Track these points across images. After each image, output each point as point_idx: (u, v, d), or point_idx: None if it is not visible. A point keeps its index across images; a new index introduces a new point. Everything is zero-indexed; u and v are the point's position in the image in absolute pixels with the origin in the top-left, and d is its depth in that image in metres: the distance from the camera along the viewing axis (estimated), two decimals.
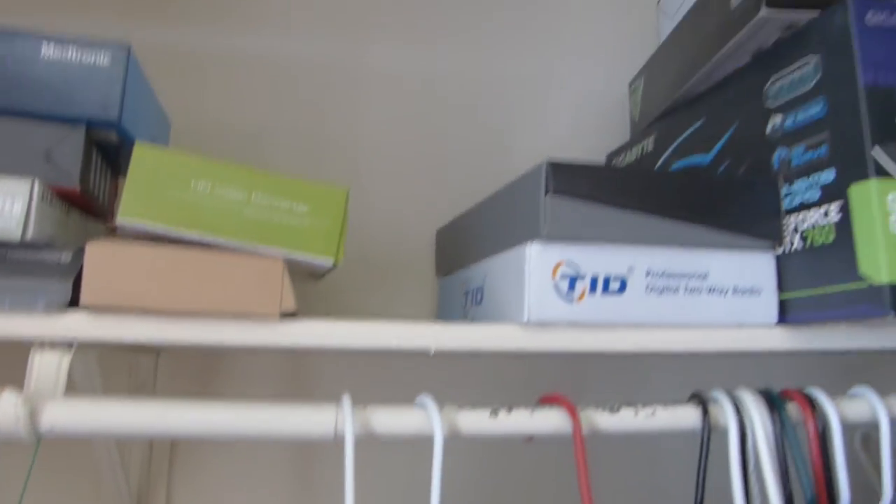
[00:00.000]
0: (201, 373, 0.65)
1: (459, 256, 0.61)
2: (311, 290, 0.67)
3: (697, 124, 0.58)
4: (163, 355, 0.64)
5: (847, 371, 0.74)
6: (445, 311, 0.64)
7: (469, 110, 0.75)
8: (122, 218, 0.38)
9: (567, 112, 0.78)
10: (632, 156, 0.70)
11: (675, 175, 0.48)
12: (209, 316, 0.39)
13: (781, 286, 0.48)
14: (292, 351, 0.62)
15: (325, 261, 0.41)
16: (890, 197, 0.41)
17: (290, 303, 0.40)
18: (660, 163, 0.64)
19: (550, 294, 0.44)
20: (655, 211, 0.45)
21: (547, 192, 0.43)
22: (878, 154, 0.41)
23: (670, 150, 0.62)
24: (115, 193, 0.52)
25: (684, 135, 0.60)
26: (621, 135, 0.77)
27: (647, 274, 0.45)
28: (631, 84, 0.74)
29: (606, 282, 0.45)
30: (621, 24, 0.80)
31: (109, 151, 0.46)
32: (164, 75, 0.67)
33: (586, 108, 0.79)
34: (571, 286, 0.44)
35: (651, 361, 0.73)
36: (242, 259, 0.39)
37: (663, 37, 0.70)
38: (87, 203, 0.45)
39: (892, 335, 0.48)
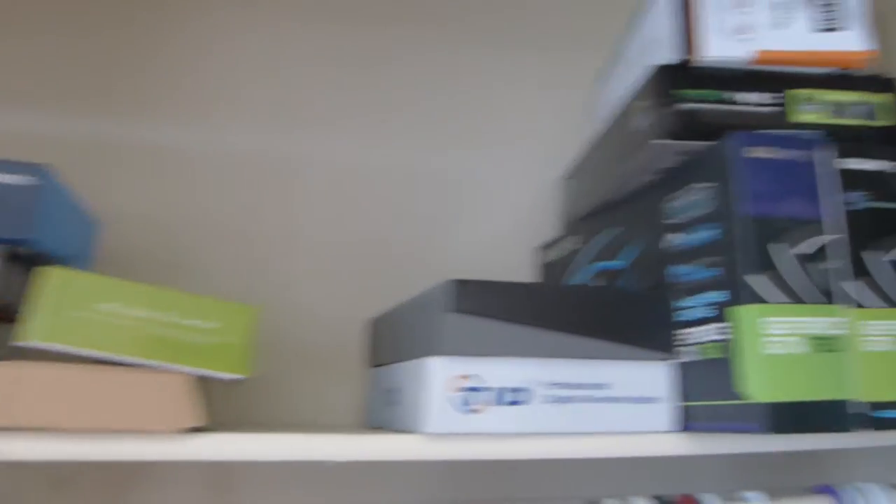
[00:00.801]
0: (123, 474, 0.66)
1: (383, 353, 0.63)
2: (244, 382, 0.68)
3: (616, 231, 0.62)
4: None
5: (760, 468, 0.76)
6: (372, 402, 0.66)
7: (405, 203, 0.78)
8: (30, 340, 0.40)
9: (503, 204, 0.81)
10: (561, 251, 0.73)
11: (573, 291, 0.50)
12: (114, 433, 0.41)
13: (684, 394, 0.50)
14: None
15: (232, 377, 0.43)
16: (765, 321, 0.44)
17: (195, 419, 0.41)
18: (584, 263, 0.67)
19: (451, 406, 0.46)
20: (555, 326, 0.48)
21: (449, 309, 0.46)
22: (755, 281, 0.45)
23: (593, 251, 0.65)
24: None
25: (604, 239, 0.63)
26: (556, 227, 0.80)
27: (548, 386, 0.48)
28: (561, 181, 0.77)
29: (507, 394, 0.47)
30: (556, 118, 0.84)
31: (25, 258, 0.48)
32: (95, 169, 0.69)
33: (522, 200, 0.82)
34: (472, 399, 0.46)
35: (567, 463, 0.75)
36: (147, 377, 0.41)
37: (590, 136, 0.73)
38: (3, 311, 0.46)
39: (780, 440, 0.51)
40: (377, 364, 0.66)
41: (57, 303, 0.40)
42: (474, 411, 0.46)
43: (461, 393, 0.46)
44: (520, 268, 0.80)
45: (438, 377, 0.46)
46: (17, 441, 0.40)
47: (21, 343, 0.41)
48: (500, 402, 0.46)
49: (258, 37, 0.78)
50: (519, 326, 0.47)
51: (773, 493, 0.55)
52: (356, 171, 0.77)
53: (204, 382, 0.47)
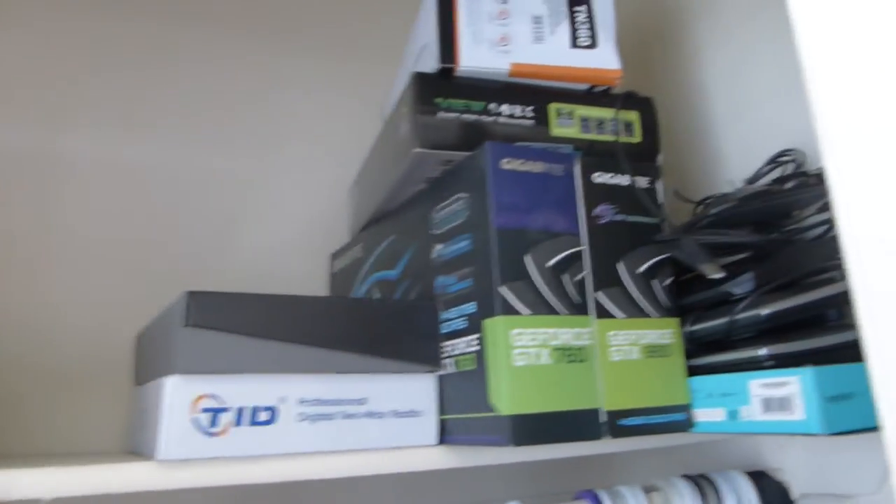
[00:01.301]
0: None
1: (142, 370, 0.58)
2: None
3: (390, 239, 0.61)
4: None
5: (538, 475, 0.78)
6: (133, 424, 0.61)
7: (187, 207, 0.73)
8: None
9: (297, 210, 0.78)
10: (347, 260, 0.71)
11: (328, 302, 0.48)
12: None
13: (443, 408, 0.50)
14: None
15: None
16: (513, 332, 0.44)
17: None
18: (363, 273, 0.65)
19: (190, 429, 0.42)
20: (307, 340, 0.46)
21: (185, 324, 0.42)
22: (505, 292, 0.45)
23: (370, 261, 0.64)
24: None
25: (380, 248, 0.62)
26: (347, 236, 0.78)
27: (300, 402, 0.45)
28: (351, 189, 0.75)
29: (254, 413, 0.44)
30: (355, 123, 0.82)
31: None
32: None
33: (318, 206, 0.79)
34: (214, 420, 0.43)
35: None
36: None
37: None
38: None
39: (531, 451, 0.51)
40: (139, 383, 0.61)
41: None
42: (216, 434, 0.43)
43: (201, 414, 0.42)
44: (314, 277, 0.77)
45: (175, 398, 0.42)
46: None
47: None
48: (243, 422, 0.43)
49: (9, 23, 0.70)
50: (264, 341, 0.44)
51: (541, 499, 0.56)
52: (129, 172, 0.71)
53: None
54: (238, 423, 0.43)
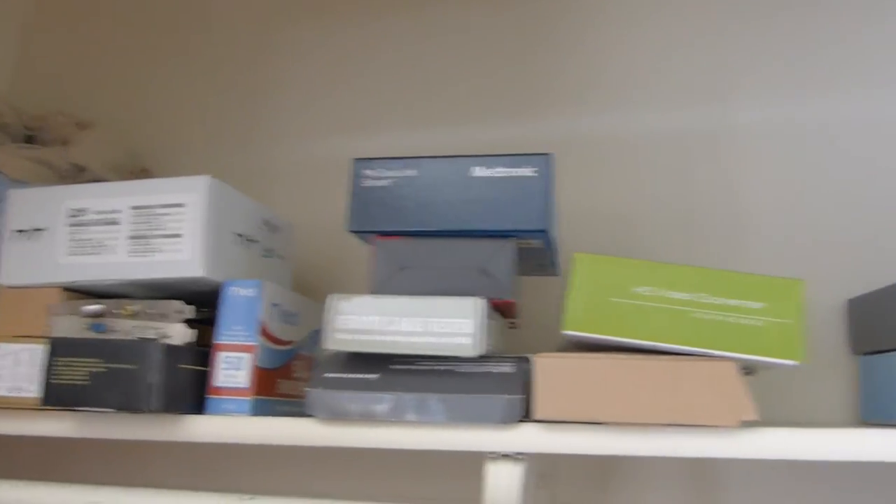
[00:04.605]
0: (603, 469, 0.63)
1: (870, 338, 0.52)
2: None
3: None
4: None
5: None
6: (873, 394, 0.55)
7: (869, 162, 0.65)
8: (568, 330, 0.38)
9: None
10: None
11: None
12: (663, 427, 0.37)
13: None
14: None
15: (786, 362, 0.36)
16: None
17: (750, 411, 0.36)
18: None
19: None
20: None
21: None
22: None
23: None
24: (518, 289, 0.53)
25: None
26: None
27: None
28: None
29: None
30: None
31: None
32: None
33: None
34: None
35: None
36: (695, 366, 0.36)
37: None
38: (507, 306, 0.45)
39: None
40: (875, 350, 0.55)
41: (593, 290, 0.38)
42: None
43: None
44: None
45: None
46: (563, 434, 0.38)
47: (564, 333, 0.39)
48: None
49: (668, 13, 0.72)
50: None
51: None
52: (802, 135, 0.67)
53: None
54: None
